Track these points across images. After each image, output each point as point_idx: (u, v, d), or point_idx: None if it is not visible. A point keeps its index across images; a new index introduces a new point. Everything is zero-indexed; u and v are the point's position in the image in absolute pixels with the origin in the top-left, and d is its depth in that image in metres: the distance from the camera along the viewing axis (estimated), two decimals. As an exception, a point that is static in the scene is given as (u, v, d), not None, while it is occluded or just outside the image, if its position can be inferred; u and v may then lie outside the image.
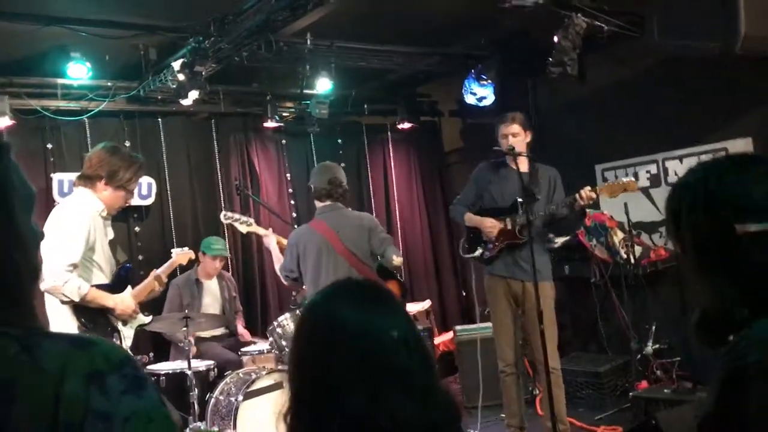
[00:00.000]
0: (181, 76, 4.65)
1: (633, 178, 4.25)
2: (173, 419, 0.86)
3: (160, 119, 5.74)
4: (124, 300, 3.45)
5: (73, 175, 3.93)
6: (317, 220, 4.19)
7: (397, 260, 4.16)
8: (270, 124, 6.14)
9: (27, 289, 0.91)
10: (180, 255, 4.31)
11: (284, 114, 6.33)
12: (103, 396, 0.83)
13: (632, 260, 5.18)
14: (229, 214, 4.97)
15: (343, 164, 6.59)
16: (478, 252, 4.53)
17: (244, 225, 4.95)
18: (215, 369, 4.73)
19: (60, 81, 5.07)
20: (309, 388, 1.24)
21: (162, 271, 3.97)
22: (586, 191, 4.10)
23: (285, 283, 4.49)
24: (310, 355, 1.28)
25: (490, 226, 4.39)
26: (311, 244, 4.08)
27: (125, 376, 0.86)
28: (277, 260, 4.52)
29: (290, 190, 6.62)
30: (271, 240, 4.71)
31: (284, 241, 4.70)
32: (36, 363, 0.83)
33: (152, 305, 4.39)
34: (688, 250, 1.20)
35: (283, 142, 6.61)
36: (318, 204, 4.23)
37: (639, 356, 5.15)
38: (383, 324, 1.28)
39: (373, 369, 1.23)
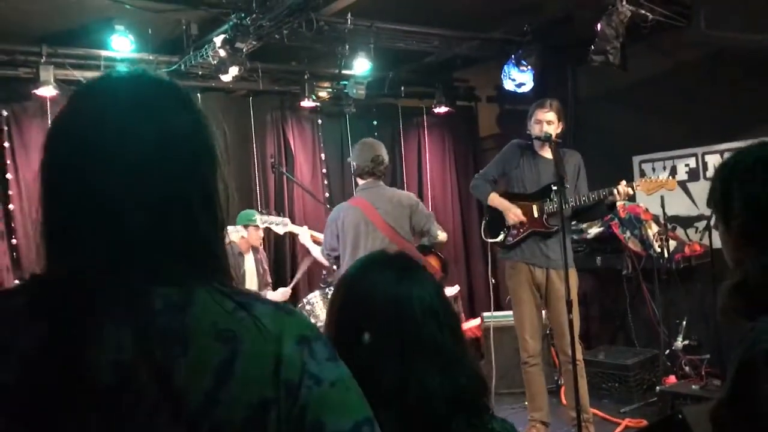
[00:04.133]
0: (222, 52, 4.69)
1: (672, 177, 4.17)
2: (357, 390, 0.91)
3: (199, 94, 5.79)
4: None
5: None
6: (357, 197, 4.18)
7: (442, 236, 4.16)
8: (307, 103, 6.16)
9: (221, 248, 0.95)
10: (234, 233, 4.38)
11: (321, 94, 6.34)
12: (314, 360, 0.88)
13: (666, 254, 5.11)
14: (265, 217, 5.09)
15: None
16: (501, 236, 4.50)
17: (281, 226, 5.07)
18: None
19: (103, 53, 5.14)
20: (343, 357, 1.27)
21: None
22: (623, 187, 4.04)
23: (327, 263, 4.52)
24: (344, 324, 1.31)
25: (515, 215, 4.35)
26: (350, 220, 4.07)
27: (326, 345, 0.92)
28: (315, 252, 4.58)
29: (324, 170, 6.65)
30: (305, 235, 4.78)
31: (317, 235, 4.76)
32: (256, 320, 0.87)
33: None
34: (739, 216, 1.17)
35: (319, 122, 6.63)
36: (360, 181, 4.22)
37: (668, 351, 5.11)
38: (414, 295, 1.31)
39: (402, 337, 1.26)
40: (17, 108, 5.25)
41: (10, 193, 5.14)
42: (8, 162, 5.17)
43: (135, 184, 0.88)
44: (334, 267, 5.38)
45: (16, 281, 5.06)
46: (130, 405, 0.81)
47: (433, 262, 4.46)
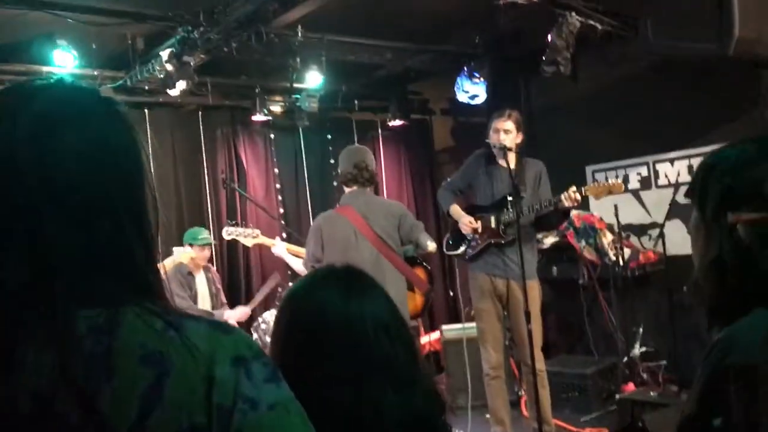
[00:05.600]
0: (169, 66, 4.57)
1: (620, 181, 4.21)
2: (299, 412, 0.86)
3: (146, 110, 5.65)
4: None
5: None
6: (345, 206, 3.99)
7: (431, 246, 3.99)
8: (258, 117, 6.06)
9: (150, 264, 0.89)
10: (183, 254, 4.23)
11: (273, 108, 6.26)
12: (250, 382, 0.82)
13: (621, 262, 5.16)
14: (232, 229, 4.91)
15: (332, 160, 6.58)
16: (461, 249, 4.49)
17: (249, 238, 4.88)
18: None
19: (46, 69, 4.96)
20: (290, 379, 1.19)
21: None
22: (570, 192, 4.06)
23: None
24: (291, 345, 1.24)
25: (467, 222, 4.34)
26: (338, 230, 3.88)
27: (266, 365, 0.85)
28: (295, 264, 4.42)
29: (278, 185, 6.55)
30: (280, 247, 4.62)
31: (293, 247, 4.64)
32: (186, 341, 0.82)
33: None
34: (714, 199, 1.15)
35: (272, 136, 6.55)
36: (345, 189, 4.05)
37: (625, 359, 5.14)
38: (366, 312, 1.25)
39: (354, 357, 1.20)
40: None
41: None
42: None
43: (57, 198, 0.82)
44: (291, 283, 5.29)
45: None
46: None
47: (420, 273, 4.36)
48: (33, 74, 5.05)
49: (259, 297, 5.59)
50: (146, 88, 5.25)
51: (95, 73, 5.22)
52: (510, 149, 4.16)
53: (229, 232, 4.90)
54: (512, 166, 4.17)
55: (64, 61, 4.78)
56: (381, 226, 3.91)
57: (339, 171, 4.07)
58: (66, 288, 0.80)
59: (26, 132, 0.83)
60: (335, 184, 6.43)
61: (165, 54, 4.58)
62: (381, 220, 3.92)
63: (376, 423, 1.17)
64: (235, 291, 6.04)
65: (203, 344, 0.82)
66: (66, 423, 0.76)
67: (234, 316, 5.27)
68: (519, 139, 4.32)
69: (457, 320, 6.48)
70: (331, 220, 3.97)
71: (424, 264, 4.58)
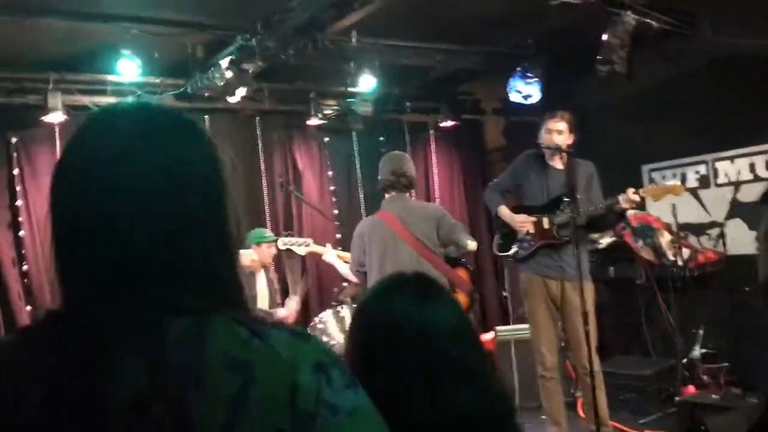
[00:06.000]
0: (228, 74, 4.70)
1: (679, 182, 4.14)
2: (376, 418, 0.89)
3: (206, 117, 5.82)
4: None
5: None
6: (384, 211, 4.12)
7: (472, 245, 4.07)
8: (313, 121, 6.18)
9: (234, 276, 0.94)
10: (244, 257, 4.40)
11: (327, 112, 6.36)
12: (330, 388, 0.85)
13: (680, 262, 5.07)
14: (286, 239, 5.09)
15: (385, 162, 6.64)
16: (513, 250, 4.48)
17: (302, 247, 5.06)
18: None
19: (111, 78, 5.17)
20: (365, 385, 1.24)
21: None
22: (629, 194, 4.01)
23: (357, 279, 4.46)
24: (366, 352, 1.28)
25: (522, 221, 4.33)
26: (377, 234, 4.02)
27: (344, 372, 0.89)
28: (344, 269, 4.62)
29: (332, 188, 6.65)
30: (331, 254, 4.79)
31: (344, 254, 4.75)
32: (270, 349, 0.85)
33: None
34: None
35: (326, 139, 6.64)
36: (385, 195, 4.17)
37: (685, 360, 5.05)
38: (438, 318, 1.28)
39: (429, 363, 1.23)
40: (26, 135, 5.28)
41: (20, 219, 5.17)
42: (18, 189, 5.19)
43: (145, 215, 0.87)
44: (345, 284, 5.38)
45: (28, 307, 5.09)
46: None
47: (462, 274, 4.41)
48: (99, 83, 5.27)
49: (300, 288, 5.77)
50: (206, 95, 5.39)
51: (157, 81, 5.40)
52: (563, 150, 4.15)
53: (284, 242, 5.09)
54: (562, 167, 4.16)
55: (128, 71, 4.94)
56: (420, 229, 4.00)
57: (379, 178, 4.18)
58: (155, 298, 0.85)
59: (116, 150, 0.89)
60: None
61: (224, 62, 4.71)
62: (419, 223, 4.01)
63: (451, 427, 1.20)
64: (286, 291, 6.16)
65: (285, 352, 0.86)
66: (161, 430, 0.79)
67: (288, 310, 5.38)
68: (571, 139, 4.30)
69: (508, 321, 6.48)
70: (371, 225, 4.11)
71: (467, 265, 4.62)
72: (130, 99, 5.13)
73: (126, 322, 0.83)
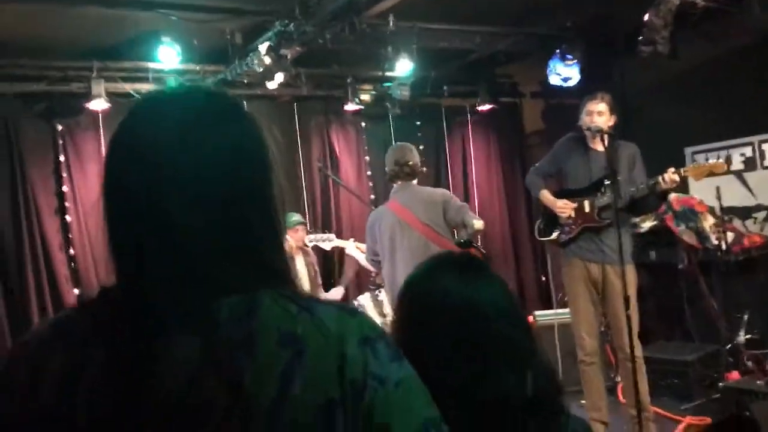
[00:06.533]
0: (267, 59, 4.73)
1: (722, 161, 4.02)
2: (423, 389, 0.91)
3: (245, 102, 5.87)
4: None
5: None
6: (391, 201, 4.32)
7: (478, 224, 4.15)
8: (350, 107, 6.18)
9: (281, 253, 0.97)
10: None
11: (363, 97, 6.36)
12: (377, 360, 0.88)
13: (723, 246, 4.97)
14: (312, 236, 5.33)
15: (421, 146, 6.62)
16: (555, 234, 4.44)
17: (327, 242, 5.29)
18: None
19: (151, 65, 5.24)
20: (411, 359, 1.25)
21: None
22: (669, 174, 3.93)
23: (372, 268, 4.62)
24: (412, 330, 1.28)
25: (562, 206, 4.29)
26: (386, 223, 4.20)
27: (389, 345, 0.91)
28: (363, 260, 4.76)
29: (369, 173, 6.66)
30: (352, 247, 5.02)
31: (361, 245, 4.87)
32: (319, 322, 0.88)
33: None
34: None
35: (363, 124, 6.65)
36: (393, 185, 4.37)
37: (729, 346, 4.96)
38: (486, 294, 1.28)
39: (477, 339, 1.23)
40: (71, 122, 5.39)
41: (67, 205, 5.29)
42: (64, 175, 5.31)
43: (195, 196, 0.89)
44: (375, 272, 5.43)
45: (75, 290, 5.22)
46: (202, 414, 0.82)
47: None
48: (140, 71, 5.35)
49: (346, 277, 5.86)
50: (245, 81, 5.44)
51: (197, 68, 5.47)
52: (604, 132, 4.08)
53: (310, 239, 5.32)
54: (603, 149, 4.09)
55: (168, 57, 5.01)
56: (427, 214, 4.14)
57: (386, 170, 4.40)
58: (206, 276, 0.87)
59: (168, 132, 0.91)
60: (423, 169, 6.53)
61: (263, 48, 4.73)
62: (425, 209, 4.16)
63: (497, 403, 1.21)
64: (329, 274, 6.22)
65: (334, 326, 0.88)
66: (215, 405, 0.81)
67: (331, 296, 5.45)
68: (612, 121, 4.22)
69: (550, 306, 6.43)
70: (380, 214, 4.30)
71: (479, 248, 4.63)
72: (173, 82, 5.20)
73: (177, 301, 0.85)
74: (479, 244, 4.77)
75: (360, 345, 0.88)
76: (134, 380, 0.83)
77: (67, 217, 5.29)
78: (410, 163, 4.28)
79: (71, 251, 5.28)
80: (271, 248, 0.94)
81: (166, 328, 0.84)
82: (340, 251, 6.31)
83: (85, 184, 5.33)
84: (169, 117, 0.93)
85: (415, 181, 4.33)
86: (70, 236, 5.29)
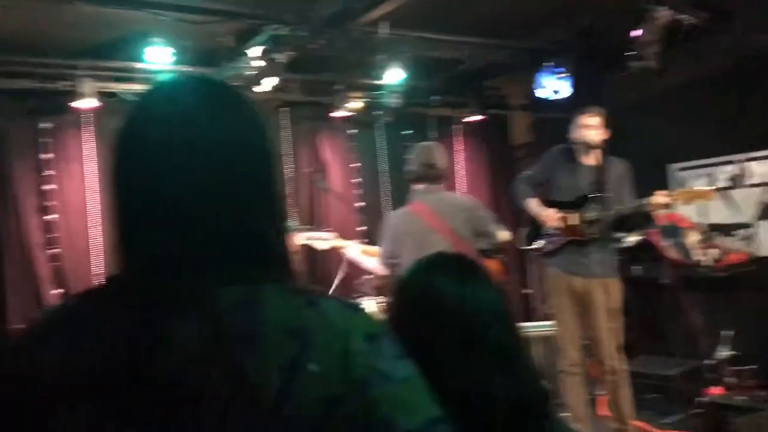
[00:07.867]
0: (260, 63, 4.71)
1: (710, 187, 4.07)
2: (427, 389, 0.91)
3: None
4: None
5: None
6: (416, 202, 4.02)
7: (503, 235, 4.02)
8: (339, 113, 6.18)
9: (285, 246, 0.96)
10: None
11: (353, 104, 6.35)
12: (382, 357, 0.88)
13: (708, 263, 5.02)
14: (307, 234, 4.93)
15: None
16: (539, 244, 4.45)
17: (323, 241, 4.89)
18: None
19: (140, 65, 5.20)
20: None
21: None
22: (657, 198, 3.97)
23: (386, 271, 4.38)
24: (405, 328, 1.28)
25: (547, 216, 4.30)
26: (411, 227, 3.91)
27: (394, 342, 0.92)
28: (369, 264, 4.51)
29: (357, 180, 6.66)
30: (354, 250, 4.70)
31: (369, 248, 4.69)
32: (325, 316, 0.88)
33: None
34: None
35: (352, 132, 6.65)
36: (415, 186, 4.06)
37: (710, 362, 5.00)
38: (479, 296, 1.28)
39: (469, 340, 1.23)
40: (58, 121, 5.34)
41: (54, 203, 5.25)
42: (48, 173, 5.26)
43: (202, 186, 0.89)
44: (365, 276, 5.36)
45: (58, 290, 5.15)
46: (205, 403, 0.82)
47: (494, 266, 4.35)
48: (129, 71, 5.30)
49: (336, 283, 5.77)
50: (236, 84, 5.40)
51: (187, 70, 5.42)
52: (595, 146, 4.12)
53: (306, 237, 4.91)
54: (594, 163, 4.13)
55: (158, 58, 4.96)
56: (454, 220, 3.91)
57: (408, 169, 4.09)
58: (211, 269, 0.87)
59: (177, 122, 0.91)
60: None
61: (256, 51, 4.72)
62: (453, 215, 3.91)
63: (485, 405, 1.21)
64: (314, 282, 6.18)
65: (339, 320, 0.88)
66: (219, 394, 0.81)
67: None
68: (603, 136, 4.27)
69: (532, 319, 6.43)
70: (403, 217, 4.00)
71: (500, 257, 4.55)
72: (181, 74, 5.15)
73: (183, 291, 0.85)
74: (503, 256, 4.54)
75: (365, 341, 0.88)
76: (137, 368, 0.82)
77: (51, 216, 5.23)
78: (437, 165, 3.98)
79: (56, 250, 5.23)
80: (275, 239, 0.94)
81: (170, 317, 0.84)
82: (329, 254, 6.27)
83: (71, 183, 5.29)
84: (178, 104, 0.93)
85: (442, 185, 4.06)
86: (56, 235, 5.24)
